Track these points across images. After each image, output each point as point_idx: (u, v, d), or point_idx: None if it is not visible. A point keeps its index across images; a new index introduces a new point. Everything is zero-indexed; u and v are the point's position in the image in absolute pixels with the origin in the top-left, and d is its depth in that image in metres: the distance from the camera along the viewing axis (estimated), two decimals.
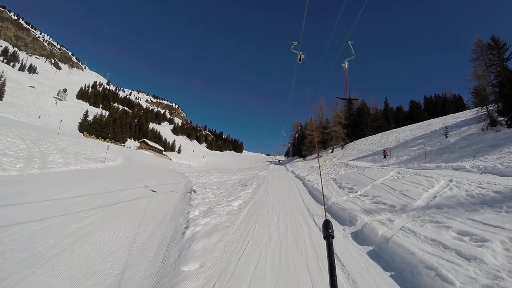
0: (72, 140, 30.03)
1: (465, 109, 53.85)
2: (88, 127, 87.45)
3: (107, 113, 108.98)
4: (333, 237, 1.12)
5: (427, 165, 15.50)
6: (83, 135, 78.95)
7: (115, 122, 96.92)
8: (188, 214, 6.16)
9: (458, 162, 14.47)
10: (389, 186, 9.10)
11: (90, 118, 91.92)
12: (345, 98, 9.71)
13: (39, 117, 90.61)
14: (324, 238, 1.13)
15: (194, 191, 10.03)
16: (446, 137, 27.05)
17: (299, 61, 13.86)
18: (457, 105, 66.08)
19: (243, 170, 32.19)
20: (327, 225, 1.17)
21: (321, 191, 10.56)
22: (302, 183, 15.03)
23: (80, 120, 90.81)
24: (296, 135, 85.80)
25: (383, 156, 25.98)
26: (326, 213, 1.85)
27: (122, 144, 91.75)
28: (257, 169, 35.44)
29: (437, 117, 51.32)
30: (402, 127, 51.81)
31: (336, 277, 0.95)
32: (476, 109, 29.54)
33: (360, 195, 8.86)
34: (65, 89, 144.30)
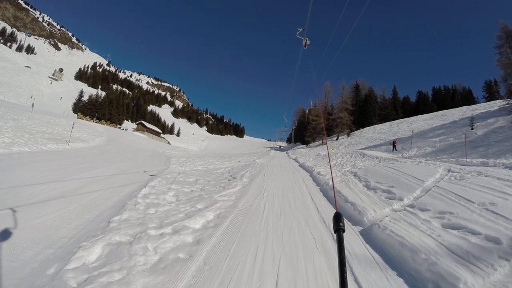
0: (46, 118, 26.52)
1: (474, 103, 52.21)
2: (83, 108, 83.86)
3: (103, 93, 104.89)
4: (344, 231, 1.04)
5: (468, 160, 12.03)
6: (77, 115, 75.60)
7: (111, 103, 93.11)
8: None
9: (504, 159, 11.25)
10: (455, 193, 5.72)
11: (85, 98, 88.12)
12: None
13: (31, 97, 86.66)
14: (335, 232, 1.04)
15: (152, 187, 6.69)
16: (472, 129, 23.56)
17: (305, 46, 14.37)
18: (467, 98, 63.77)
19: (240, 156, 28.85)
20: (338, 218, 1.08)
21: (340, 191, 7.15)
22: (310, 176, 11.59)
23: (75, 101, 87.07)
24: (297, 122, 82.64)
25: (392, 147, 22.51)
26: (337, 206, 1.50)
27: (119, 126, 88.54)
28: (256, 155, 32.02)
29: (446, 109, 47.92)
30: (412, 117, 48.11)
31: (346, 274, 0.89)
32: (498, 101, 26.75)
33: (412, 206, 5.45)
34: (61, 69, 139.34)
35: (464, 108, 41.78)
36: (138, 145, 33.45)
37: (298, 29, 14.88)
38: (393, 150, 21.81)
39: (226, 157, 27.50)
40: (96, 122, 76.15)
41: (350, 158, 15.72)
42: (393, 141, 22.84)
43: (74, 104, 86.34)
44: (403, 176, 7.91)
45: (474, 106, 41.78)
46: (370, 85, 65.84)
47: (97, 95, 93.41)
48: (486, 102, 47.53)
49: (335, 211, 1.14)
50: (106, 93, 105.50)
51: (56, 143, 15.08)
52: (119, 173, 9.97)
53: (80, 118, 73.24)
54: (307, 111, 65.69)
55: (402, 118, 53.80)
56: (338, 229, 1.04)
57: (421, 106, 65.29)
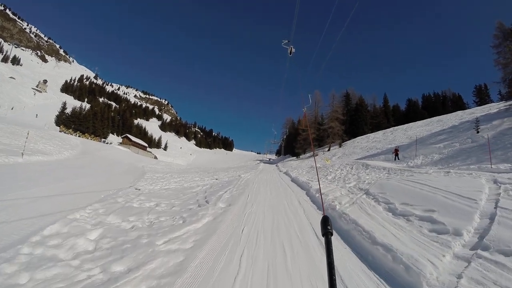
0: (11, 129, 23.78)
1: (465, 108, 51.46)
2: (66, 121, 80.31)
3: (88, 106, 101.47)
4: (331, 234, 1.03)
5: (494, 166, 9.98)
6: (60, 128, 72.27)
7: (96, 116, 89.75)
8: None
9: None
10: None
11: (69, 111, 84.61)
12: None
13: (12, 109, 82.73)
14: (323, 235, 1.03)
15: (72, 220, 4.26)
16: (478, 132, 21.78)
17: (290, 54, 14.81)
18: (457, 104, 63.10)
19: (226, 170, 26.46)
20: (325, 222, 1.06)
21: (356, 221, 4.84)
22: (307, 195, 9.29)
23: (57, 113, 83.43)
24: (286, 133, 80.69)
25: (394, 155, 20.51)
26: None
27: (103, 140, 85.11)
28: (244, 168, 29.68)
29: (437, 115, 46.73)
30: (406, 124, 46.83)
31: (335, 277, 0.88)
32: (495, 104, 25.77)
33: (485, 248, 3.22)
34: (45, 80, 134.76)
35: (460, 112, 40.58)
36: (116, 159, 30.66)
37: (284, 40, 15.62)
38: (395, 159, 19.79)
39: (211, 171, 25.08)
40: (79, 136, 73.02)
41: (351, 170, 13.54)
42: (395, 149, 20.81)
43: (57, 116, 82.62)
44: (439, 193, 5.70)
45: (470, 110, 40.85)
46: (360, 94, 64.88)
47: (81, 107, 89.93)
48: (477, 106, 47.07)
49: (323, 215, 1.08)
50: (90, 106, 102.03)
51: (7, 156, 12.49)
52: (59, 194, 7.45)
53: (63, 131, 70.02)
54: (296, 123, 63.83)
55: (394, 126, 52.50)
56: (326, 233, 1.02)
57: (411, 114, 64.59)
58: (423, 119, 47.86)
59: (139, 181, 13.18)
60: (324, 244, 1.02)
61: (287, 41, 15.62)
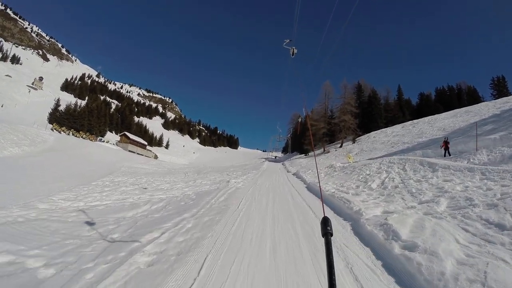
0: None
1: (480, 101, 47.76)
2: (60, 118, 76.15)
3: (83, 103, 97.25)
4: (331, 235, 1.03)
5: None
6: (53, 126, 68.33)
7: (92, 113, 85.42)
8: None
9: None
10: None
11: (63, 108, 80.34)
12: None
13: (1, 106, 78.64)
14: (323, 236, 1.02)
15: None
16: None
17: (292, 55, 14.40)
18: (473, 97, 57.96)
19: (222, 171, 21.55)
20: (325, 222, 1.06)
21: None
22: (367, 244, 4.23)
23: (50, 110, 79.23)
24: (293, 129, 75.22)
25: (444, 150, 15.21)
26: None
27: (100, 138, 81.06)
28: (243, 168, 24.69)
29: (452, 109, 42.52)
30: (428, 117, 41.54)
31: (335, 276, 0.87)
32: None
33: None
34: (41, 77, 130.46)
35: (490, 103, 35.52)
36: (93, 159, 25.89)
37: (285, 40, 14.75)
38: (445, 155, 14.64)
39: (203, 172, 20.25)
40: (73, 134, 68.82)
41: (406, 173, 8.29)
42: (444, 142, 15.44)
43: (50, 113, 78.43)
44: None
45: (504, 98, 36.20)
46: (372, 85, 59.43)
47: (76, 104, 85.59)
48: (494, 99, 42.59)
49: (324, 216, 1.11)
50: (86, 103, 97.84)
51: None
52: None
53: (55, 129, 66.02)
54: (303, 118, 58.41)
55: (410, 120, 47.30)
56: (326, 233, 1.02)
57: (424, 108, 59.54)
58: (438, 113, 43.26)
59: (73, 189, 8.37)
60: (324, 245, 0.94)
61: (288, 40, 14.78)
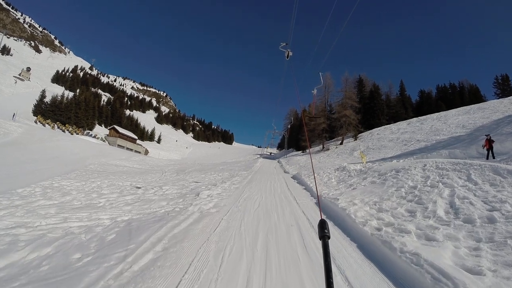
0: None
1: (483, 100, 46.15)
2: (45, 110, 72.02)
3: (71, 94, 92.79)
4: (329, 238, 1.02)
5: None
6: (37, 118, 64.70)
7: (79, 106, 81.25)
8: None
9: None
10: None
11: (49, 99, 76.01)
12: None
13: None
14: (320, 239, 1.03)
15: None
16: None
17: (287, 58, 15.33)
18: (475, 96, 56.29)
19: (210, 170, 18.32)
20: (323, 225, 1.06)
21: None
22: None
23: (36, 102, 74.88)
24: (292, 121, 71.96)
25: (486, 150, 11.94)
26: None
27: (88, 131, 77.41)
28: (235, 167, 21.38)
29: (454, 108, 39.96)
30: (437, 113, 38.37)
31: (332, 279, 0.86)
32: None
33: None
34: (29, 68, 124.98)
35: (505, 100, 32.62)
36: (56, 154, 22.34)
37: (281, 43, 15.66)
38: (488, 157, 11.45)
39: (185, 172, 17.03)
40: (58, 127, 65.10)
41: (476, 187, 5.05)
42: (486, 140, 12.07)
43: (35, 106, 74.13)
44: None
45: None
46: (373, 80, 56.33)
47: (62, 96, 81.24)
48: (498, 98, 41.13)
49: (321, 219, 1.10)
50: (73, 95, 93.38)
51: None
52: None
53: (40, 121, 62.34)
54: (300, 113, 55.05)
55: (413, 117, 44.50)
56: (323, 236, 1.02)
57: (425, 105, 58.14)
58: (439, 111, 41.02)
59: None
60: (321, 248, 0.93)
61: (284, 44, 15.53)
